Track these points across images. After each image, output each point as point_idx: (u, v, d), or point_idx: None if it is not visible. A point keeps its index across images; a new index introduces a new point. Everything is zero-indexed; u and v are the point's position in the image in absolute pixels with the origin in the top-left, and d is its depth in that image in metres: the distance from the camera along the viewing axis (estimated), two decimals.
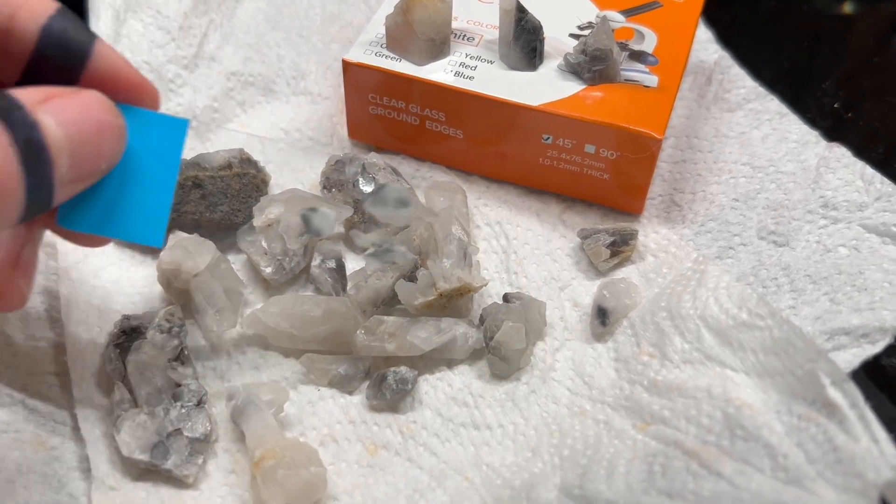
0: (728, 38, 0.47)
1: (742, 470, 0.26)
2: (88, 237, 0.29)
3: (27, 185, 0.22)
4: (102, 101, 0.25)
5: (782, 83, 0.45)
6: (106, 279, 0.36)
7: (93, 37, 0.26)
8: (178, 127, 0.28)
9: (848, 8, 0.53)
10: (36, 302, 0.35)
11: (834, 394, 0.27)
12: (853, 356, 0.31)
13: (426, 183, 0.41)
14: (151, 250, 0.38)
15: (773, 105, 0.43)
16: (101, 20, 0.43)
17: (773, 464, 0.26)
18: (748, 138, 0.42)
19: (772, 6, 0.52)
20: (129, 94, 0.27)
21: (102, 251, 0.37)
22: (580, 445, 0.31)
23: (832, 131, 0.42)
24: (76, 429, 0.32)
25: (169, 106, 0.42)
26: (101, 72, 0.26)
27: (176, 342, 0.33)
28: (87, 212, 0.27)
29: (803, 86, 0.46)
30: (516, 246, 0.39)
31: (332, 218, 0.35)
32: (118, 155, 0.26)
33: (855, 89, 0.46)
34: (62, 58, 0.26)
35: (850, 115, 0.45)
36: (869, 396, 0.27)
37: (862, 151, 0.40)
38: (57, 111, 0.24)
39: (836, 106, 0.45)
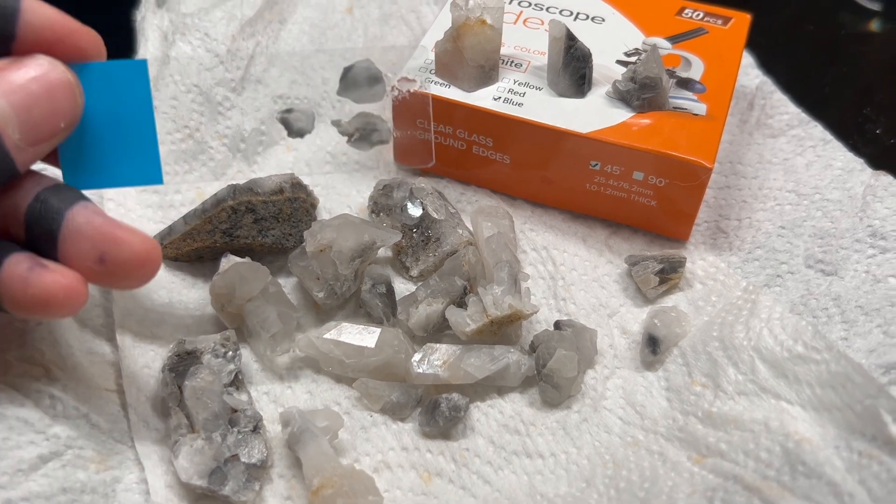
0: (768, 62, 0.47)
1: None
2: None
3: None
4: (48, 63, 0.27)
5: (823, 108, 0.45)
6: (158, 302, 0.37)
7: None
8: (139, 68, 0.30)
9: (874, 26, 0.53)
10: (93, 315, 0.36)
11: None
12: None
13: (472, 207, 0.41)
14: (203, 274, 0.38)
15: (817, 132, 0.43)
16: (150, 41, 0.44)
17: (838, 502, 0.26)
18: (792, 165, 0.42)
19: (810, 30, 0.52)
20: (70, 43, 0.28)
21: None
22: (636, 477, 0.31)
23: (876, 158, 0.42)
24: (134, 449, 0.32)
25: (217, 129, 0.42)
26: (36, 25, 0.27)
27: (231, 367, 0.34)
28: (84, 170, 0.29)
29: (844, 111, 0.46)
30: (563, 272, 0.39)
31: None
32: (76, 110, 0.28)
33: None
34: None
35: (892, 141, 0.45)
36: None
37: None
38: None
39: (878, 132, 0.45)
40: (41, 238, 0.28)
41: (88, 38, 0.29)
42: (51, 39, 0.27)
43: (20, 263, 0.27)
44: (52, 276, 0.27)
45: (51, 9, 0.28)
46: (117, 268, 0.28)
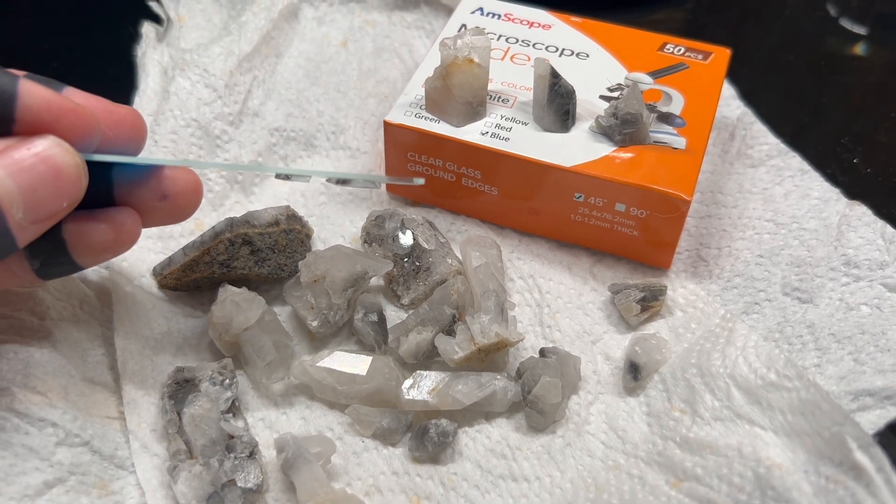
0: (750, 93, 0.49)
1: None
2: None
3: None
4: (56, 144, 0.27)
5: (803, 138, 0.47)
6: (157, 331, 0.38)
7: (15, 78, 0.27)
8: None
9: (859, 49, 0.55)
10: (94, 344, 0.37)
11: (861, 457, 0.28)
12: (878, 417, 0.33)
13: (461, 236, 0.43)
14: (201, 303, 0.39)
15: (795, 162, 0.45)
16: (150, 77, 0.45)
17: None
18: (771, 194, 0.44)
19: (791, 60, 0.54)
20: (66, 122, 0.28)
21: (153, 305, 0.39)
22: (616, 501, 0.32)
23: (852, 187, 0.43)
24: (135, 474, 0.34)
25: (215, 161, 0.44)
26: (34, 108, 0.27)
27: (229, 394, 0.35)
28: None
29: (823, 141, 0.48)
30: (549, 300, 0.40)
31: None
32: (80, 191, 0.28)
33: (873, 144, 0.47)
34: None
35: (868, 170, 0.46)
36: (894, 458, 0.28)
37: (881, 208, 0.41)
38: (6, 162, 0.26)
39: (854, 161, 0.47)
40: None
41: (85, 117, 0.28)
42: (48, 120, 0.27)
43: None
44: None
45: (46, 90, 0.28)
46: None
